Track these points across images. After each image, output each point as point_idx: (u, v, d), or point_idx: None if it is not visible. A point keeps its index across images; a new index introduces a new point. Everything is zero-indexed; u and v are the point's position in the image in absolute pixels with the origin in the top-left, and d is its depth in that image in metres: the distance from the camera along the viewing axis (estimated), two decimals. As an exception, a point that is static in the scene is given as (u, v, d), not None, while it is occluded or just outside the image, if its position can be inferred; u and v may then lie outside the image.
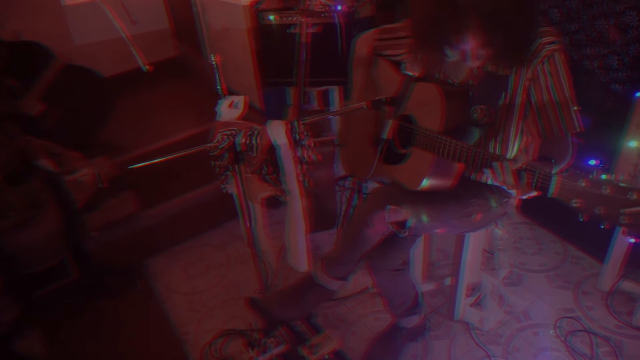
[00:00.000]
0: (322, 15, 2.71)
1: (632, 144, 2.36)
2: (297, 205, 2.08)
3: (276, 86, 3.17)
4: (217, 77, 2.15)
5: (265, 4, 2.99)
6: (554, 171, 1.47)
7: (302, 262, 2.20)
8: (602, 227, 1.32)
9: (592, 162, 2.66)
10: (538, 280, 2.78)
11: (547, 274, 2.81)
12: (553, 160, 1.73)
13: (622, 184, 1.29)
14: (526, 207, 3.14)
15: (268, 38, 2.96)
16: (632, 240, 2.40)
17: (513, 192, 1.91)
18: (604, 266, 2.63)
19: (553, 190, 1.43)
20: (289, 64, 2.79)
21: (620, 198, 1.28)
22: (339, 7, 2.81)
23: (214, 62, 2.13)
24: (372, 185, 2.95)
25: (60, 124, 3.32)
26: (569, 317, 2.54)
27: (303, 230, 2.13)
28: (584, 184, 1.35)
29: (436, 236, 2.84)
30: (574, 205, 1.36)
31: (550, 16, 2.61)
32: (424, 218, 1.99)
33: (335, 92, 3.24)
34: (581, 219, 1.35)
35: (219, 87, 2.16)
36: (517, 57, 1.76)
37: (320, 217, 2.70)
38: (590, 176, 1.35)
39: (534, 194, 1.58)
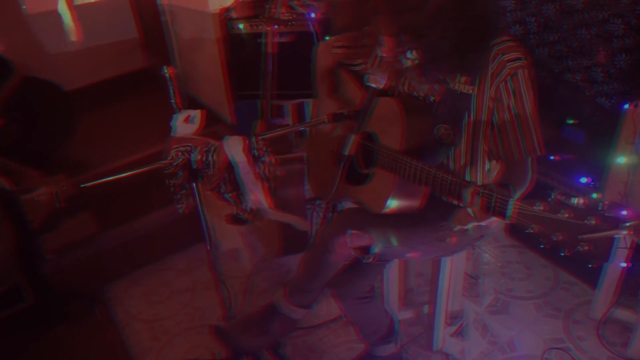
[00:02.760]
0: (290, 23, 2.69)
1: (621, 160, 2.33)
2: (272, 217, 2.11)
3: (248, 99, 3.16)
4: (171, 89, 2.14)
5: (236, 11, 2.97)
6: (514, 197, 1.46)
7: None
8: (563, 254, 1.30)
9: (584, 179, 2.64)
10: (526, 308, 2.74)
11: (535, 301, 2.78)
12: (511, 187, 1.70)
13: (580, 207, 1.27)
14: (514, 229, 3.11)
15: (238, 48, 2.97)
16: (624, 264, 2.40)
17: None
18: (596, 293, 2.60)
19: (510, 214, 1.41)
20: (260, 75, 2.77)
21: (578, 223, 1.26)
22: (313, 15, 2.79)
23: (166, 74, 2.12)
24: (348, 206, 2.91)
25: (19, 140, 3.30)
26: (557, 349, 2.51)
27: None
28: (541, 208, 1.32)
29: (412, 260, 2.80)
30: (531, 231, 1.35)
31: (527, 25, 2.59)
32: (393, 242, 1.97)
33: (310, 106, 3.21)
34: (542, 247, 1.34)
35: (173, 101, 2.15)
36: (450, 64, 1.74)
37: (291, 240, 2.69)
38: (549, 199, 1.32)
39: (492, 219, 1.56)
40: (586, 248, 1.25)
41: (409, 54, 1.77)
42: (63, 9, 3.02)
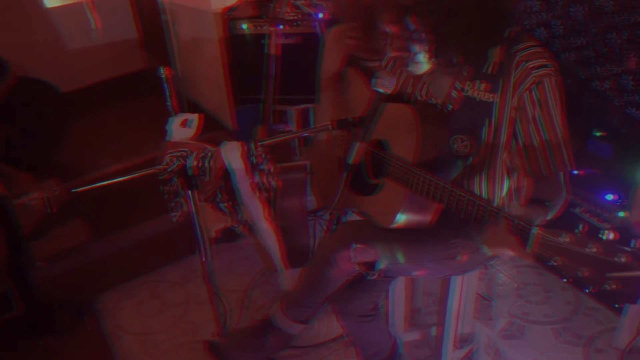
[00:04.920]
0: (295, 24, 2.64)
1: None
2: (263, 234, 2.13)
3: (250, 104, 3.12)
4: (168, 91, 2.14)
5: (239, 11, 2.94)
6: (548, 216, 1.45)
7: (285, 280, 2.32)
8: (588, 291, 1.28)
9: (610, 196, 2.59)
10: (543, 333, 2.68)
11: (554, 326, 2.71)
12: (547, 203, 1.63)
13: (610, 242, 1.22)
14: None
15: (241, 49, 2.94)
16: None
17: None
18: (621, 319, 2.51)
19: (532, 244, 1.36)
20: (263, 79, 2.74)
21: (607, 260, 1.21)
22: (320, 15, 2.74)
23: (163, 75, 2.11)
24: (353, 218, 2.87)
25: (11, 143, 3.29)
26: (577, 379, 2.45)
27: (277, 252, 2.24)
28: (567, 240, 1.28)
29: (420, 278, 2.74)
30: (554, 263, 1.30)
31: (553, 29, 2.53)
32: (400, 259, 1.92)
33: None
34: (565, 280, 1.31)
35: (169, 104, 2.13)
36: (461, 43, 1.68)
37: (290, 254, 2.63)
38: (576, 230, 1.28)
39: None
40: (614, 287, 1.21)
41: (419, 57, 1.74)
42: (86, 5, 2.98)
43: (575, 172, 2.66)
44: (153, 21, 4.12)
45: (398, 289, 2.39)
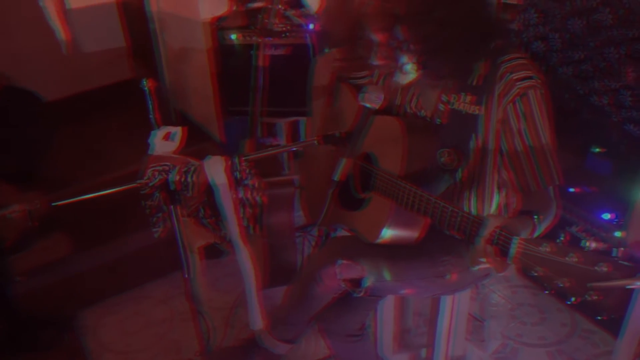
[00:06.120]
0: (284, 35, 2.63)
1: None
2: (241, 255, 2.07)
3: (238, 115, 3.11)
4: (151, 104, 2.13)
5: (228, 21, 2.95)
6: (537, 231, 1.45)
7: (255, 318, 2.20)
8: (569, 303, 1.24)
9: (607, 215, 2.57)
10: (537, 356, 2.66)
11: (548, 349, 2.69)
12: (536, 217, 1.60)
13: (591, 251, 1.21)
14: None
15: (229, 60, 2.94)
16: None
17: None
18: (618, 342, 2.47)
19: (513, 254, 1.34)
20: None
21: (588, 270, 1.19)
22: (311, 26, 2.74)
23: (146, 88, 2.10)
24: (343, 234, 2.86)
25: (-7, 153, 3.26)
26: (572, 404, 2.44)
27: (252, 282, 2.13)
28: (547, 249, 1.26)
29: (410, 297, 2.72)
30: (535, 274, 1.29)
31: (550, 42, 2.53)
32: (387, 276, 1.91)
33: (305, 125, 3.16)
34: (547, 292, 1.27)
35: (152, 116, 2.13)
36: (452, 55, 1.69)
37: (277, 271, 2.65)
38: (558, 240, 1.27)
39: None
40: (595, 298, 1.19)
41: (406, 68, 1.75)
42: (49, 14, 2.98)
43: (572, 189, 2.64)
44: (141, 30, 4.11)
45: (387, 309, 2.38)
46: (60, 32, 3.00)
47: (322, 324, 2.10)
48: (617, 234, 2.48)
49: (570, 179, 2.60)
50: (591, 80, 2.49)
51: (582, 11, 2.45)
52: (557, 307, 2.89)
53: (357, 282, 1.92)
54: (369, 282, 1.90)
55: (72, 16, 3.68)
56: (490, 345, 2.67)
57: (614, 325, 2.52)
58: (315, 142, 1.83)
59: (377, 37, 1.71)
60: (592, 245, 1.21)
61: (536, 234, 1.54)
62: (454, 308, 2.24)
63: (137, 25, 4.23)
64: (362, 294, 1.91)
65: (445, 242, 1.95)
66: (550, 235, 1.34)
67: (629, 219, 2.31)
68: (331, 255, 1.95)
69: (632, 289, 1.17)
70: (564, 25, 2.50)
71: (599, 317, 1.21)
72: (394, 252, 1.90)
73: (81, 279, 3.09)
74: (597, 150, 2.65)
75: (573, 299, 1.22)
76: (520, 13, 2.71)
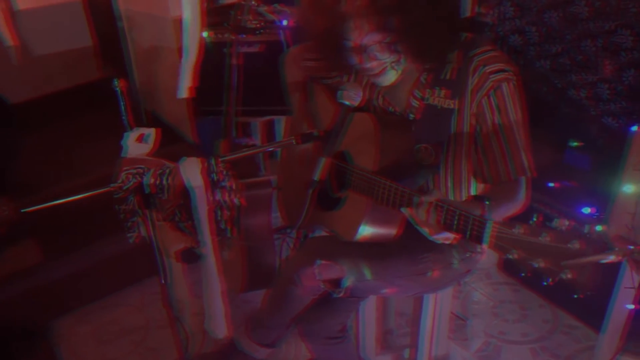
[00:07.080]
0: (257, 32, 2.62)
1: (628, 189, 2.28)
2: (210, 260, 2.04)
3: (212, 115, 3.10)
4: (123, 105, 2.12)
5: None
6: (486, 216, 1.44)
7: (218, 326, 2.15)
8: (545, 283, 1.25)
9: (587, 210, 2.58)
10: (520, 353, 2.69)
11: (531, 345, 2.72)
12: (487, 202, 1.61)
13: (562, 230, 1.21)
14: (509, 265, 3.05)
15: (202, 58, 2.88)
16: (631, 306, 2.34)
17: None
18: (600, 337, 2.53)
19: (488, 237, 1.36)
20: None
21: (561, 247, 1.20)
22: (284, 22, 2.73)
23: (117, 88, 2.08)
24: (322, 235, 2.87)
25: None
26: (555, 400, 2.47)
27: (218, 289, 2.09)
28: (521, 231, 1.28)
29: (391, 297, 2.74)
30: (512, 257, 1.29)
31: (527, 35, 2.55)
32: (367, 275, 1.92)
33: (281, 124, 3.15)
34: (523, 275, 1.29)
35: (124, 118, 2.10)
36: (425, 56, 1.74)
37: (255, 273, 2.65)
38: (530, 221, 1.28)
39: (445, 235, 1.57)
40: (570, 276, 1.20)
41: (387, 68, 1.77)
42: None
43: (551, 184, 2.66)
44: (108, 28, 4.07)
45: (368, 310, 2.38)
46: (26, 32, 2.96)
47: (302, 326, 2.10)
48: (598, 228, 2.50)
49: (549, 173, 2.62)
50: (569, 73, 2.52)
51: (558, 4, 2.48)
52: (539, 303, 2.93)
53: (336, 283, 1.92)
54: (349, 282, 1.91)
55: (34, 15, 3.63)
56: (473, 344, 2.69)
57: (596, 320, 2.56)
58: (294, 141, 1.82)
59: (373, 37, 1.71)
60: (564, 223, 1.22)
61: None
62: (436, 307, 2.26)
63: (104, 23, 4.19)
64: (342, 294, 1.92)
65: (425, 239, 1.93)
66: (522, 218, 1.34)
67: (609, 213, 2.34)
68: (310, 256, 1.96)
69: (605, 264, 1.18)
70: (541, 18, 2.52)
71: (576, 296, 1.21)
72: (374, 250, 1.91)
73: (53, 287, 3.05)
74: (576, 144, 2.68)
75: (550, 279, 1.23)
76: (495, 6, 2.73)
